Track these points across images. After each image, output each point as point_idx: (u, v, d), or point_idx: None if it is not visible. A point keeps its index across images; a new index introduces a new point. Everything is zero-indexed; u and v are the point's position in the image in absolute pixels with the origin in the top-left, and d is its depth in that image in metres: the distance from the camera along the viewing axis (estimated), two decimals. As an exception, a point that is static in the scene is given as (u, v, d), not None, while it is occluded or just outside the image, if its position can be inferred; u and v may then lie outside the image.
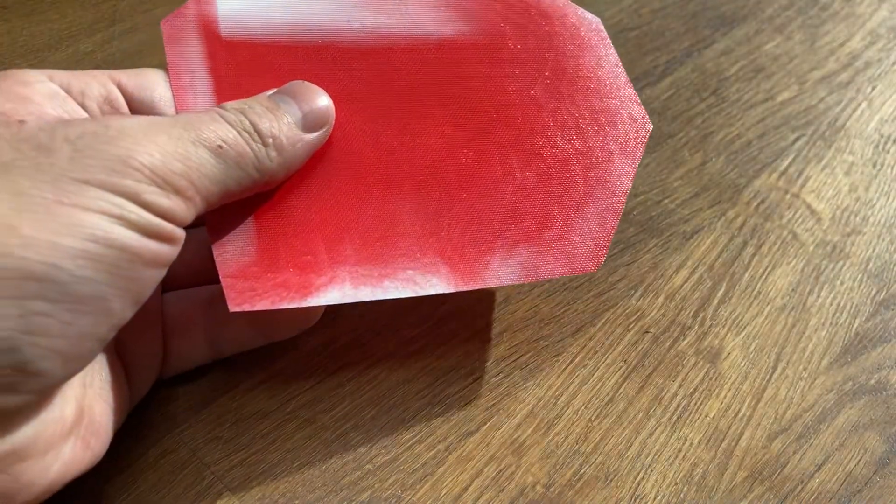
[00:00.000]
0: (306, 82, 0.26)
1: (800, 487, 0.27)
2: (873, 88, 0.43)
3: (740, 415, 0.29)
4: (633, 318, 0.32)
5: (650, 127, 0.29)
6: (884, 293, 0.34)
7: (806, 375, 0.31)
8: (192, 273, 0.28)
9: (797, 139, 0.40)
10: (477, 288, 0.25)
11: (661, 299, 0.33)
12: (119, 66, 0.41)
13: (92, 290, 0.20)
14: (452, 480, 0.27)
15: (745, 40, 0.46)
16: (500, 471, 0.27)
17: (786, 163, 0.39)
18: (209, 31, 0.27)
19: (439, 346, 0.30)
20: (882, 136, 0.41)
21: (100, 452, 0.24)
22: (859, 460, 0.28)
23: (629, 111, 0.29)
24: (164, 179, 0.21)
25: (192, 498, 0.26)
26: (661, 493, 0.27)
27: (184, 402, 0.27)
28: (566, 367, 0.30)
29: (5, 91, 0.22)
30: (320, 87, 0.26)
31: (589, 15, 0.31)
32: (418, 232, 0.26)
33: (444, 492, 0.27)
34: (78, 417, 0.23)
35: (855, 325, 0.32)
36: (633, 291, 0.33)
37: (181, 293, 0.28)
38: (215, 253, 0.24)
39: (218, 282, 0.26)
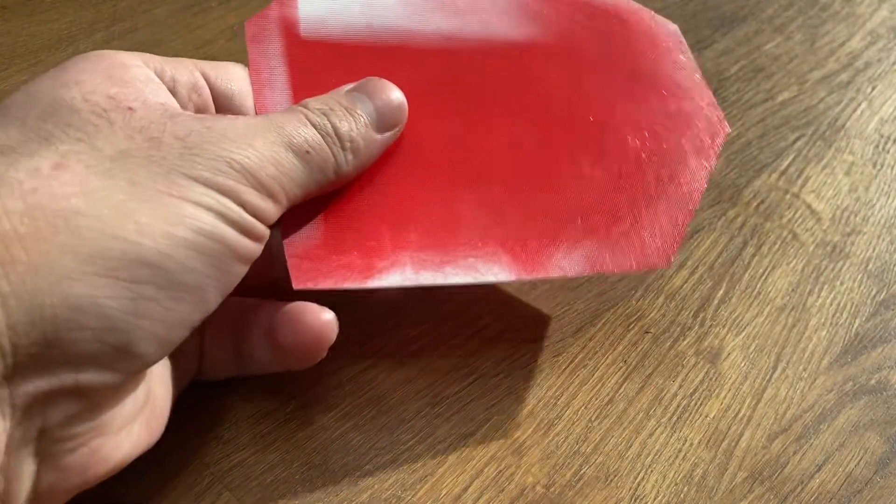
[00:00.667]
0: (382, 79, 0.26)
1: (800, 488, 0.27)
2: (873, 88, 0.43)
3: (740, 415, 0.29)
4: (634, 318, 0.32)
5: (728, 130, 0.29)
6: (884, 293, 0.34)
7: (806, 376, 0.31)
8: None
9: (797, 139, 0.40)
10: (539, 278, 0.26)
11: (661, 299, 0.33)
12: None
13: (195, 279, 0.21)
14: (452, 481, 0.27)
15: (745, 40, 0.46)
16: (500, 471, 0.27)
17: (786, 163, 0.39)
18: (289, 32, 0.28)
19: (439, 346, 0.30)
20: (882, 136, 0.41)
21: (158, 435, 0.24)
22: (859, 461, 0.28)
23: (706, 114, 0.29)
24: (260, 182, 0.22)
25: (192, 498, 0.26)
26: (661, 494, 0.27)
27: (184, 402, 0.27)
28: (566, 368, 0.30)
29: (109, 74, 0.23)
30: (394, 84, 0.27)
31: (667, 21, 0.31)
32: (481, 223, 0.26)
33: (443, 492, 0.27)
34: (147, 398, 0.24)
35: (855, 326, 0.32)
36: (633, 291, 0.33)
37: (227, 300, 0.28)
38: (283, 236, 0.25)
39: (254, 294, 0.27)
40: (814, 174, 0.38)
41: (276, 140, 0.23)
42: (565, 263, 0.26)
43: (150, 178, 0.21)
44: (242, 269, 0.23)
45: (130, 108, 0.22)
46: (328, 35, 0.28)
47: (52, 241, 0.19)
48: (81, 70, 0.23)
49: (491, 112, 0.28)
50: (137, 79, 0.23)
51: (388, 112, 0.26)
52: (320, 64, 0.28)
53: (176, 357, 0.26)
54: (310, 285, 0.24)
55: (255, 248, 0.23)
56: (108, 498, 0.25)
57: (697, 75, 0.30)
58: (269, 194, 0.23)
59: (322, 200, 0.25)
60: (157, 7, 0.44)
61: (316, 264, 0.25)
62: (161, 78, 0.24)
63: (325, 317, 0.25)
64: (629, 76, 0.29)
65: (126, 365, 0.21)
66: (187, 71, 0.25)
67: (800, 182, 0.38)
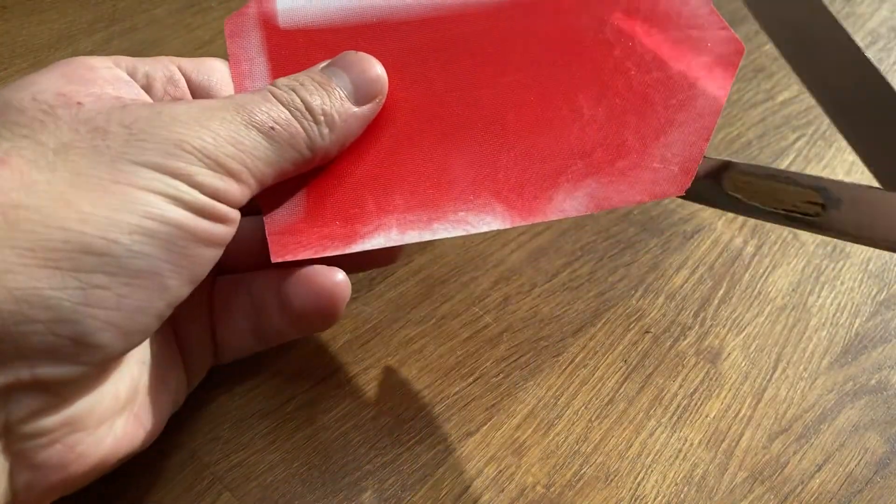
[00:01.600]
0: (358, 52, 0.26)
1: (800, 488, 0.27)
2: (874, 88, 0.43)
3: (740, 415, 0.29)
4: (634, 318, 0.32)
5: (741, 48, 0.28)
6: (884, 293, 0.34)
7: (806, 376, 0.31)
8: (248, 256, 0.28)
9: (797, 139, 0.40)
10: (537, 221, 0.25)
11: (661, 299, 0.33)
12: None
13: (147, 264, 0.20)
14: (452, 481, 0.27)
15: (745, 40, 0.46)
16: (500, 471, 0.27)
17: (786, 163, 0.39)
18: (268, 25, 0.28)
19: (439, 346, 0.30)
20: (882, 136, 0.41)
21: (153, 432, 0.24)
22: (860, 461, 0.28)
23: (714, 36, 0.28)
24: (217, 162, 0.22)
25: (191, 498, 0.26)
26: (661, 494, 0.27)
27: (183, 402, 0.27)
28: (566, 368, 0.30)
29: (68, 74, 0.23)
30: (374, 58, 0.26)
31: None
32: (472, 176, 0.26)
33: (444, 492, 0.27)
34: (132, 394, 0.23)
35: (855, 325, 0.32)
36: (633, 291, 0.33)
37: (231, 278, 0.28)
38: (264, 215, 0.25)
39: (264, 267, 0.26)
40: (814, 174, 0.38)
41: (234, 118, 0.23)
42: (567, 205, 0.25)
43: (93, 168, 0.21)
44: (211, 252, 0.22)
45: (79, 103, 0.22)
46: (309, 23, 0.28)
47: None
48: (42, 73, 0.23)
49: (479, 71, 0.28)
50: (102, 78, 0.23)
51: (366, 84, 0.25)
52: (301, 51, 0.28)
53: (185, 347, 0.26)
54: (289, 257, 0.24)
55: (222, 230, 0.22)
56: (108, 498, 0.25)
57: (702, 2, 0.29)
58: (230, 174, 0.22)
59: (303, 175, 0.25)
60: (157, 7, 0.44)
61: (297, 237, 0.25)
62: (133, 76, 0.24)
63: (338, 277, 0.25)
64: (626, 14, 0.29)
65: (87, 356, 0.20)
66: (162, 66, 0.25)
67: (800, 182, 0.38)
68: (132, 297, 0.20)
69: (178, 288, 0.22)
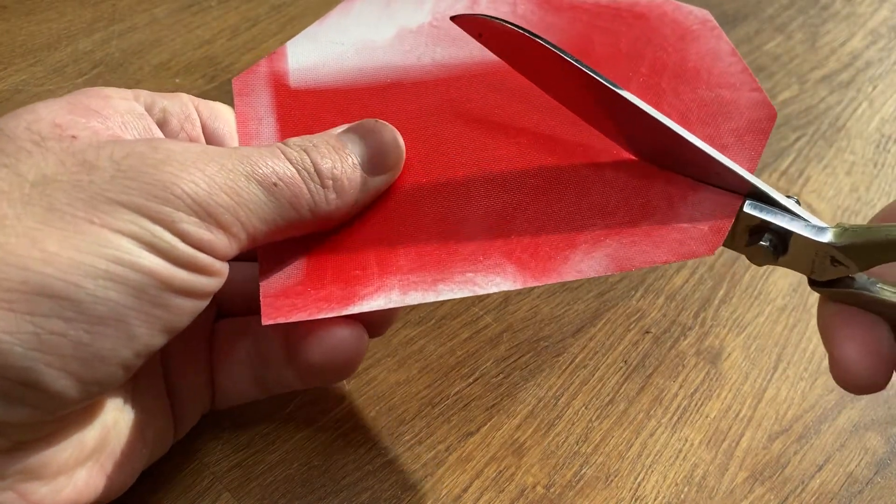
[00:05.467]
0: (378, 120, 0.25)
1: (800, 488, 0.27)
2: (874, 88, 0.43)
3: (741, 415, 0.29)
4: (634, 318, 0.32)
5: (774, 113, 0.26)
6: (885, 293, 0.34)
7: (807, 376, 0.31)
8: (250, 301, 0.26)
9: (798, 139, 0.40)
10: (551, 282, 0.24)
11: (661, 300, 0.33)
12: (117, 65, 0.41)
13: (111, 311, 0.19)
14: (452, 481, 0.27)
15: (745, 39, 0.46)
16: (501, 471, 0.27)
17: (786, 162, 0.39)
18: (279, 84, 0.27)
19: (439, 346, 0.30)
20: (883, 136, 0.40)
21: (120, 485, 0.23)
22: (860, 461, 0.28)
23: (747, 99, 0.26)
24: (207, 211, 0.20)
25: (192, 498, 0.26)
26: (661, 494, 0.27)
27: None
28: (566, 368, 0.30)
29: (74, 103, 0.22)
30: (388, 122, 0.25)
31: (695, 8, 0.29)
32: (483, 236, 0.24)
33: (443, 492, 0.27)
34: (100, 444, 0.22)
35: (856, 326, 0.32)
36: (633, 292, 0.33)
37: (233, 322, 0.27)
38: (261, 277, 0.23)
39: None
40: (815, 174, 0.38)
41: (236, 167, 0.21)
42: (585, 266, 0.24)
43: (69, 204, 0.19)
44: (191, 303, 0.21)
45: (74, 136, 0.21)
46: (320, 83, 0.27)
47: None
48: (47, 102, 0.22)
49: (496, 131, 0.27)
50: (113, 108, 0.22)
51: (382, 154, 0.24)
52: (312, 112, 0.27)
53: (176, 394, 0.25)
54: (280, 319, 0.22)
55: (205, 282, 0.21)
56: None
57: (735, 59, 0.28)
58: (219, 225, 0.21)
59: (305, 237, 0.24)
60: (157, 6, 0.44)
61: (292, 299, 0.23)
62: (150, 110, 0.24)
63: (355, 330, 0.23)
64: (651, 70, 0.27)
65: (41, 403, 0.19)
66: (181, 103, 0.24)
67: (801, 182, 0.38)
68: (93, 344, 0.19)
69: (148, 337, 0.20)
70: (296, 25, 0.44)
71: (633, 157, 0.26)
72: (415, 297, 0.23)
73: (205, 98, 0.26)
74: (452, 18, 0.26)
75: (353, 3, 0.30)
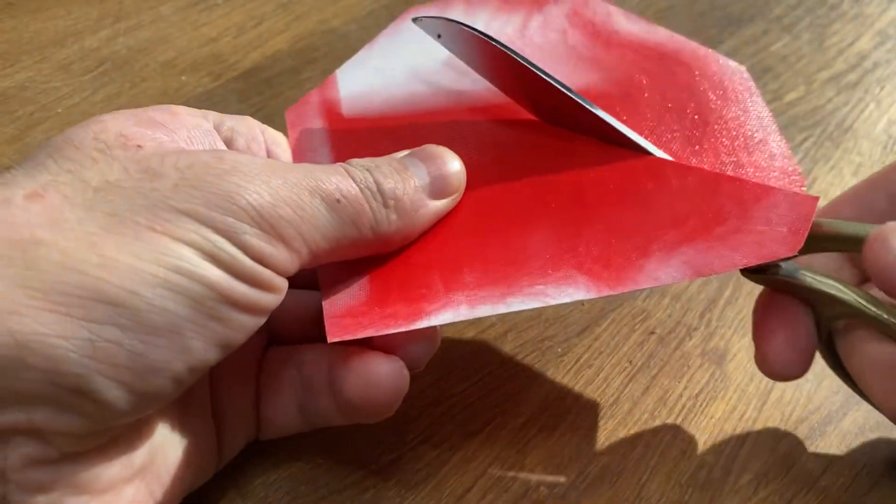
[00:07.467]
0: (440, 146, 0.25)
1: (805, 490, 0.27)
2: (882, 89, 0.43)
3: (746, 416, 0.29)
4: (639, 318, 0.32)
5: (803, 182, 0.26)
6: (891, 295, 0.34)
7: (812, 377, 0.30)
8: (301, 326, 0.27)
9: (805, 140, 0.40)
10: (628, 290, 0.23)
11: (666, 300, 0.33)
12: (124, 63, 0.41)
13: (167, 321, 0.19)
14: (456, 481, 0.27)
15: (752, 40, 0.45)
16: (504, 471, 0.27)
17: (793, 163, 0.39)
18: (332, 113, 0.27)
19: (443, 346, 0.30)
20: (890, 137, 0.40)
21: None
22: (865, 463, 0.28)
23: (781, 166, 0.26)
24: (270, 223, 0.20)
25: (192, 498, 0.26)
26: (665, 495, 0.27)
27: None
28: (571, 368, 0.30)
29: (141, 116, 0.22)
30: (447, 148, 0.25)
31: (732, 63, 0.30)
32: (551, 252, 0.24)
33: (447, 492, 0.26)
34: (148, 463, 0.22)
35: (862, 327, 0.32)
36: (638, 292, 0.33)
37: (284, 350, 0.26)
38: (323, 297, 0.23)
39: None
40: (821, 175, 0.38)
41: (300, 182, 0.21)
42: (661, 273, 0.23)
43: (131, 210, 0.19)
44: (250, 319, 0.21)
45: (139, 146, 0.21)
46: (372, 111, 0.27)
47: (1, 273, 0.18)
48: (116, 113, 0.22)
49: (556, 149, 0.27)
50: (181, 122, 0.22)
51: (443, 179, 0.24)
52: (366, 140, 0.27)
53: (223, 420, 0.25)
54: (347, 336, 0.22)
55: (265, 298, 0.21)
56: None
57: (768, 122, 0.28)
58: (281, 239, 0.20)
59: (367, 259, 0.24)
60: (163, 4, 0.44)
61: (358, 319, 0.23)
62: (218, 129, 0.24)
63: (396, 365, 0.23)
64: (693, 125, 0.28)
65: (92, 412, 0.19)
66: (247, 125, 0.25)
67: (807, 183, 0.38)
68: (147, 355, 0.19)
69: (203, 351, 0.20)
70: (302, 23, 0.44)
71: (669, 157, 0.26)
72: (483, 311, 0.23)
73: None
74: (414, 20, 0.26)
75: (401, 26, 0.30)
